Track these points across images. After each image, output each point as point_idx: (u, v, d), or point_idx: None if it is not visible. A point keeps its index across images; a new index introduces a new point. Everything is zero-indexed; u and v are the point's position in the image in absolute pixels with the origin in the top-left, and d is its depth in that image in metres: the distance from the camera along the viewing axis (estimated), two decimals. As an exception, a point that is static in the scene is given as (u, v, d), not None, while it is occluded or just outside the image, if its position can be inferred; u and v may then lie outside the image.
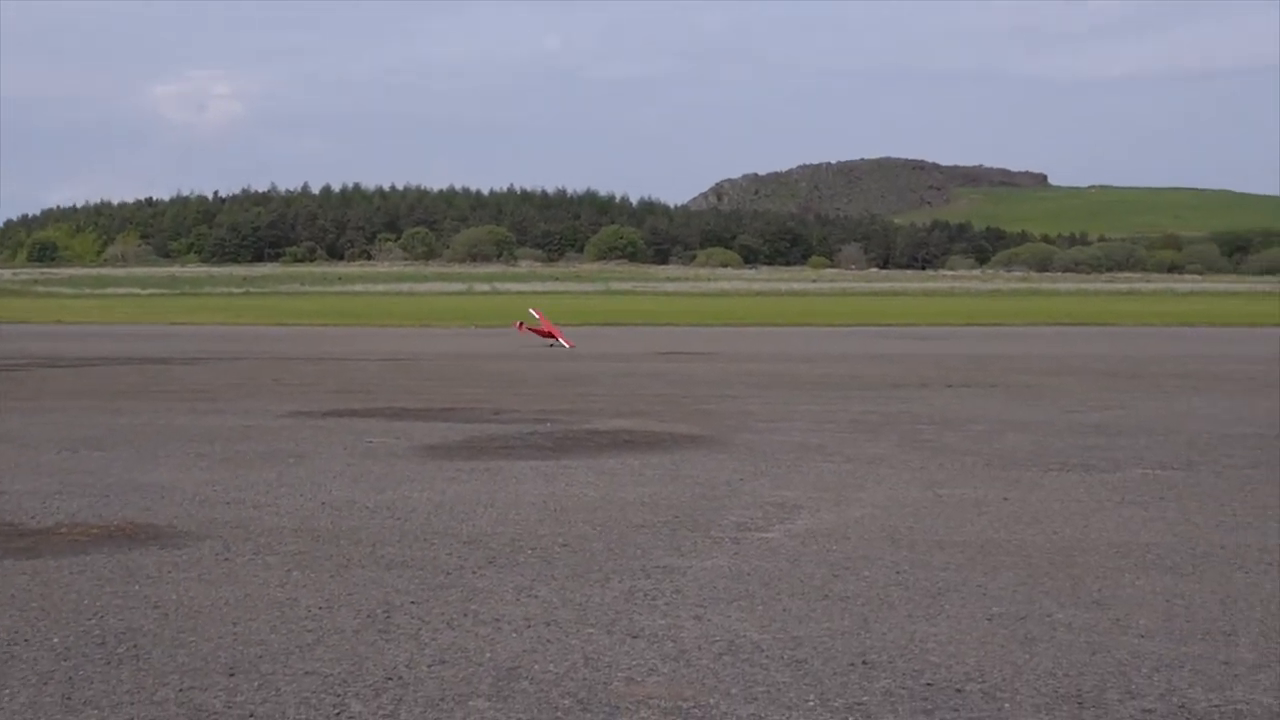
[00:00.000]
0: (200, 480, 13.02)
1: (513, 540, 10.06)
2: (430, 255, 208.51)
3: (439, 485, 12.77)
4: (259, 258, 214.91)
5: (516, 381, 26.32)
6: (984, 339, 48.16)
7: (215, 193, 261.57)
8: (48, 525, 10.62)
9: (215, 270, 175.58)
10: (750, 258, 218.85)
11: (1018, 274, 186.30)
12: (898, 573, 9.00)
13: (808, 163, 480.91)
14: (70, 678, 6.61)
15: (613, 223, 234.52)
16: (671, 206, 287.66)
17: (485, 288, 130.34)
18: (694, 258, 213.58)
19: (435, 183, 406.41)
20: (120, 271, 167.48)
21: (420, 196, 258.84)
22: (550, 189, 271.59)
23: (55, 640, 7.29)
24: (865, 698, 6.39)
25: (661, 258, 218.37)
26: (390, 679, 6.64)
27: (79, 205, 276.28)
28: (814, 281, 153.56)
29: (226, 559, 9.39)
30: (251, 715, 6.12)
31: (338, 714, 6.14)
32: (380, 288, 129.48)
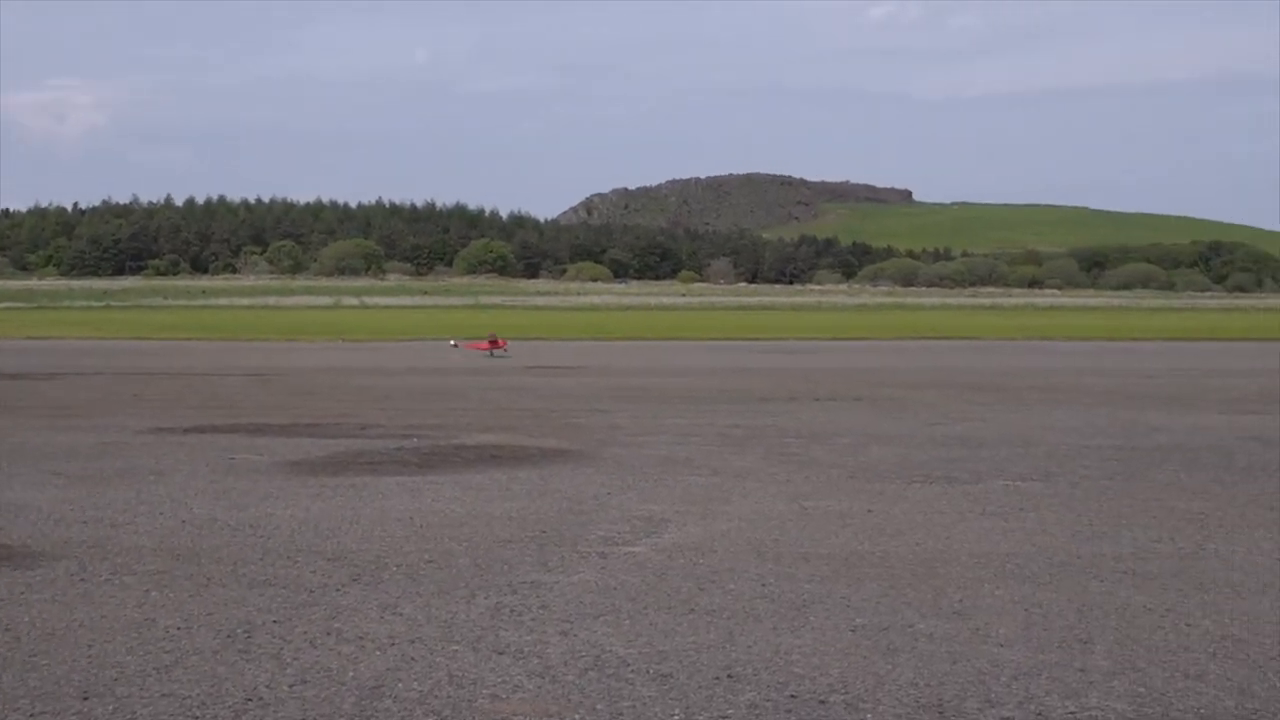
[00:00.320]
0: (56, 499, 12.71)
1: (378, 557, 9.96)
2: (297, 268, 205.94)
3: (303, 502, 12.61)
4: (120, 271, 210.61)
5: (383, 396, 26.09)
6: (850, 353, 48.73)
7: (75, 204, 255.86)
8: (-106, 546, 10.29)
9: (75, 283, 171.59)
10: (620, 272, 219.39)
11: (883, 289, 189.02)
12: (763, 585, 9.06)
13: (677, 178, 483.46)
14: (-85, 704, 6.41)
15: (482, 236, 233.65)
16: (541, 220, 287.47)
17: (353, 301, 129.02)
18: (564, 272, 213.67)
19: (302, 195, 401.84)
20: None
21: (287, 209, 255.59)
22: (419, 202, 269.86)
23: (-100, 665, 7.06)
24: (730, 711, 6.42)
25: (531, 272, 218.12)
26: (250, 700, 6.53)
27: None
28: (683, 296, 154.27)
29: (82, 579, 9.17)
30: (105, 739, 5.98)
31: (195, 737, 6.02)
32: (245, 301, 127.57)
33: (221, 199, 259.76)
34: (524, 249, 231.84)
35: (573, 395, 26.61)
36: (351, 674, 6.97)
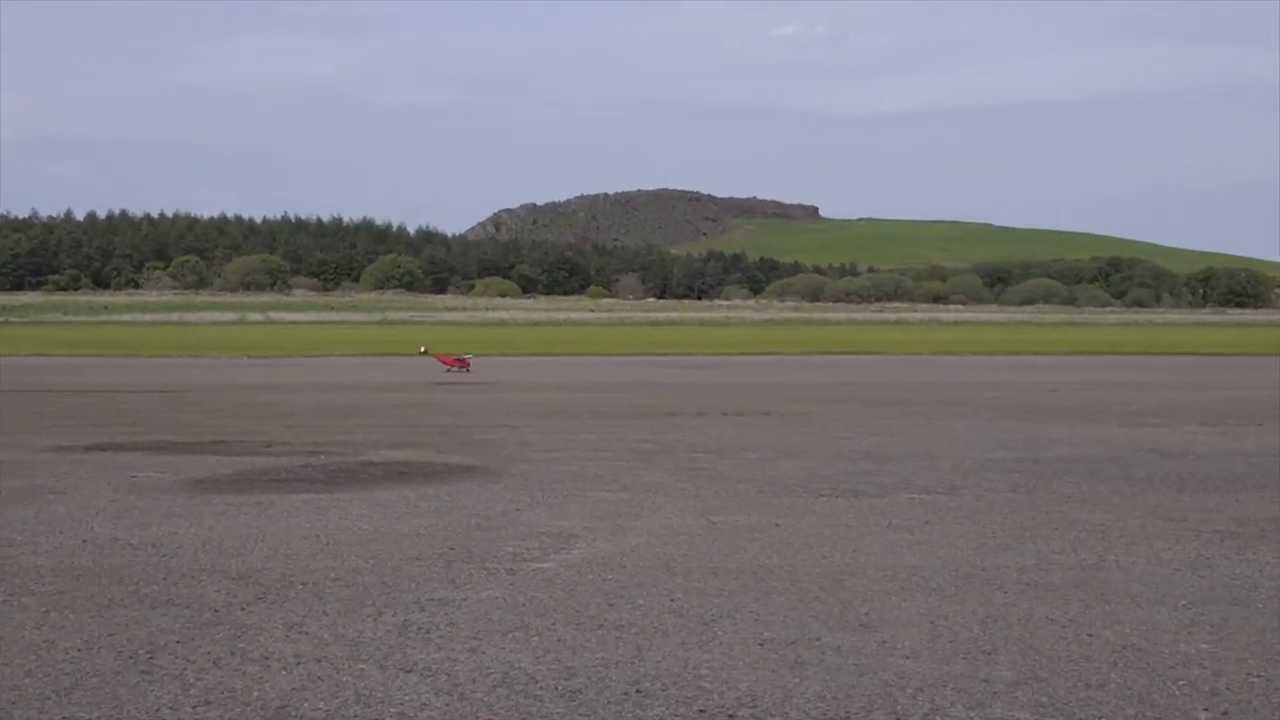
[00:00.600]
0: (-48, 519, 12.46)
1: (283, 575, 9.87)
2: (201, 284, 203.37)
3: (207, 520, 12.46)
4: (19, 286, 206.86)
5: (289, 413, 25.84)
6: (758, 368, 48.98)
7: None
8: None
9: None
10: (528, 287, 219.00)
11: (791, 304, 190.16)
12: (672, 600, 9.08)
13: (586, 193, 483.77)
14: None
15: (390, 252, 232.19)
16: (449, 236, 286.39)
17: (259, 317, 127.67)
18: (472, 287, 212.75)
19: (206, 210, 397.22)
20: None
21: (190, 224, 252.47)
22: (326, 217, 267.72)
23: None
24: (639, 726, 6.42)
25: (439, 287, 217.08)
26: (153, 722, 6.43)
27: None
28: (592, 311, 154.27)
29: (-21, 601, 8.99)
30: (3, 764, 5.87)
31: (96, 760, 5.93)
32: (149, 317, 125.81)
33: (124, 213, 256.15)
34: (432, 264, 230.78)
35: (481, 411, 26.51)
36: (257, 694, 6.90)
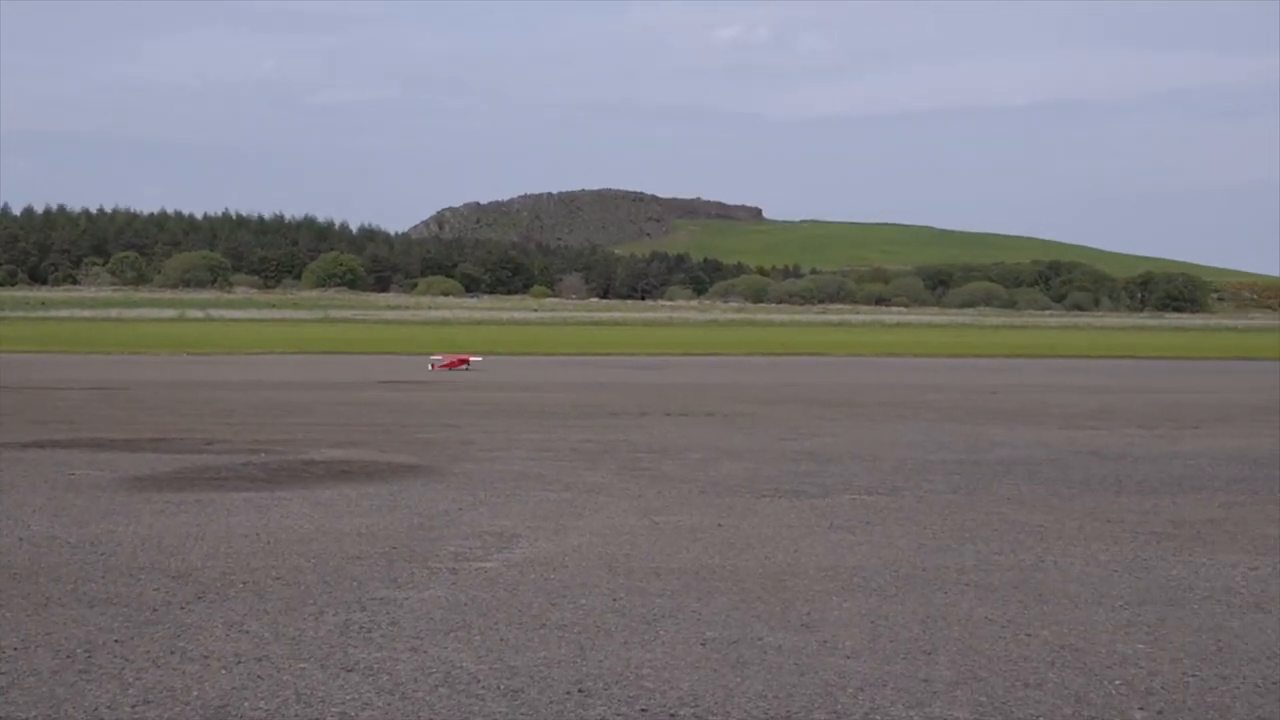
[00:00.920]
0: (-115, 516, 12.29)
1: (223, 574, 9.81)
2: (140, 280, 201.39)
3: (146, 518, 12.36)
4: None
5: (229, 411, 25.67)
6: (701, 368, 49.10)
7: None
8: None
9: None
10: (472, 286, 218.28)
11: (734, 305, 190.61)
12: (615, 600, 9.09)
13: (529, 192, 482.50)
14: None
15: (332, 249, 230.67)
16: (392, 234, 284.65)
17: (199, 314, 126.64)
18: (415, 286, 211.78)
19: (145, 206, 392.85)
20: None
21: (130, 219, 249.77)
22: (267, 214, 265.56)
23: None
24: (581, 725, 6.43)
25: (382, 285, 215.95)
26: (91, 721, 6.38)
27: None
28: (535, 311, 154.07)
29: (-87, 599, 8.88)
30: (-62, 764, 5.80)
31: (33, 760, 5.87)
32: (87, 313, 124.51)
33: (61, 208, 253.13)
34: (374, 263, 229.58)
35: (424, 410, 26.44)
36: (196, 693, 6.85)
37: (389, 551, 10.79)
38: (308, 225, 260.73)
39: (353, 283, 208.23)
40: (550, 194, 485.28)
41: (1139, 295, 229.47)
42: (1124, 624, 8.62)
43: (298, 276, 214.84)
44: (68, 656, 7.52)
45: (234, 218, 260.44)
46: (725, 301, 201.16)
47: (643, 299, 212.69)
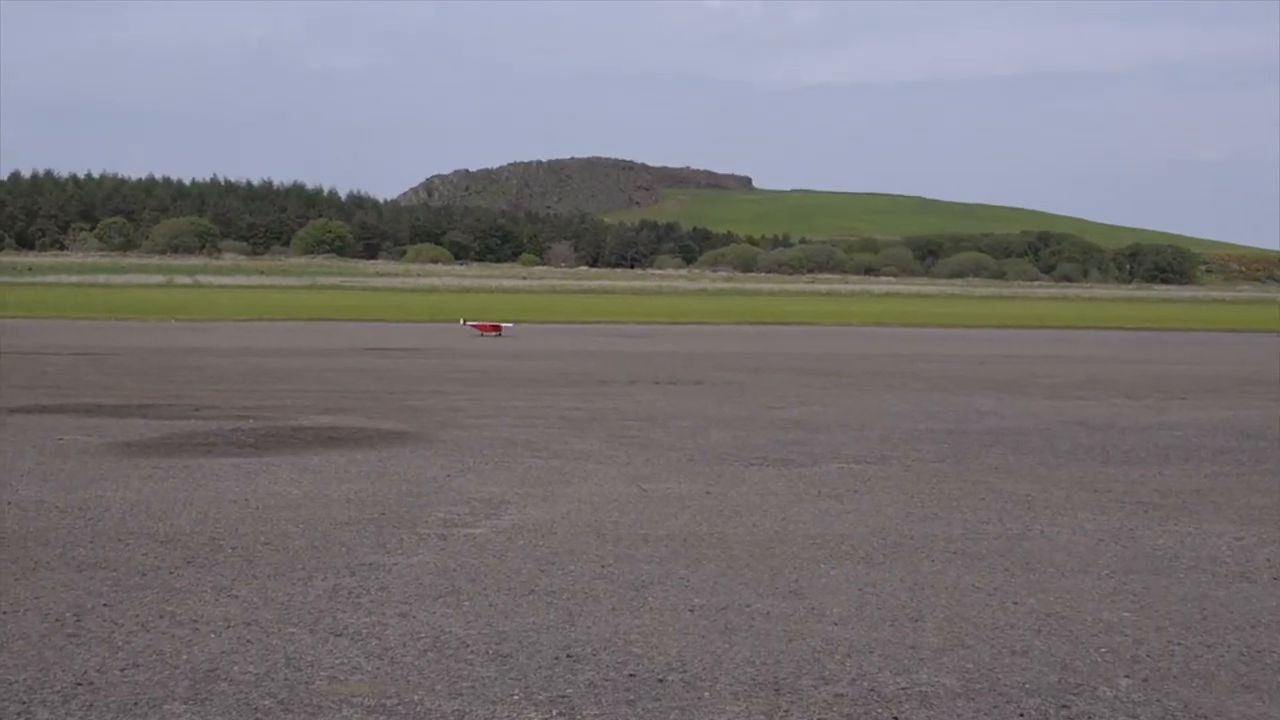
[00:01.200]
0: (-127, 480, 12.28)
1: (212, 539, 9.82)
2: (128, 246, 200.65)
3: (134, 484, 12.36)
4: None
5: (218, 378, 25.64)
6: (690, 337, 49.10)
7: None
8: None
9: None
10: (460, 254, 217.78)
11: (723, 274, 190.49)
12: (603, 566, 9.11)
13: (518, 160, 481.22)
14: None
15: (320, 216, 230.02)
16: (381, 201, 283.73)
17: (187, 280, 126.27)
18: (404, 253, 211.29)
19: (133, 171, 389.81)
20: None
21: (118, 185, 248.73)
22: (256, 180, 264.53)
23: None
24: (569, 690, 6.45)
25: (370, 253, 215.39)
26: (80, 684, 6.40)
27: None
28: (524, 279, 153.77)
29: (-99, 563, 8.88)
30: (-73, 726, 5.81)
31: (22, 722, 5.88)
32: (74, 279, 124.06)
33: (49, 173, 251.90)
34: (363, 230, 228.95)
35: (412, 377, 26.43)
36: (185, 657, 6.87)
37: (378, 517, 10.81)
38: (296, 192, 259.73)
39: (341, 249, 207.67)
40: (540, 162, 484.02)
41: (1127, 267, 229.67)
42: (1110, 592, 8.66)
43: (286, 243, 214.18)
44: (57, 620, 7.53)
45: (222, 184, 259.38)
46: (714, 270, 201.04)
47: (632, 268, 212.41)
